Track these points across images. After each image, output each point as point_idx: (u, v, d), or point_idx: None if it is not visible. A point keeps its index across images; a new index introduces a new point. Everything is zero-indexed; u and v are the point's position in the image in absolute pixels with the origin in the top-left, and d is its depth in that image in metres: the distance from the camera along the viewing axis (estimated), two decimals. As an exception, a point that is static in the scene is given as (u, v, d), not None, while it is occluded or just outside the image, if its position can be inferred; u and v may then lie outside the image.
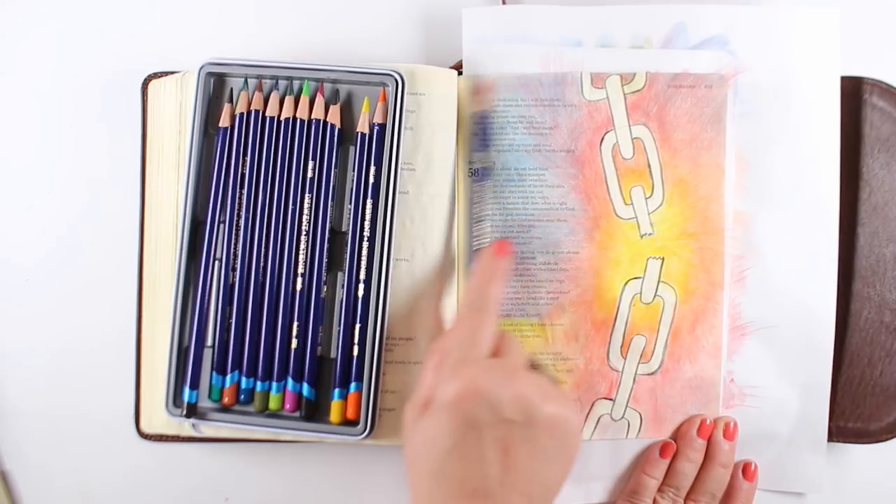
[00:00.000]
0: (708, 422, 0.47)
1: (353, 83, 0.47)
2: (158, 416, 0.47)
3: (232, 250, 0.47)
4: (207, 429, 0.47)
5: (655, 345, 0.48)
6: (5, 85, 0.51)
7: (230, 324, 0.47)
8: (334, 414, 0.46)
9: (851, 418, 0.48)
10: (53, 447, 0.50)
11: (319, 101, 0.47)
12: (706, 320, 0.48)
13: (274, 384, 0.46)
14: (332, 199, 0.47)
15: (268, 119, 0.47)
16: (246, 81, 0.47)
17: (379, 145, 0.46)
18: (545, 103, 0.48)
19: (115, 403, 0.49)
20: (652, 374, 0.48)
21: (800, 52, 0.48)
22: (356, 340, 0.46)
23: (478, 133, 0.47)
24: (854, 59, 0.48)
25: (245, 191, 0.47)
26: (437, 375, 0.38)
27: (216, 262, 0.47)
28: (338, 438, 0.46)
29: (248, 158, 0.47)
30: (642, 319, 0.48)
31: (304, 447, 0.49)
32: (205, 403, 0.47)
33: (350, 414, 0.46)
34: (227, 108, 0.47)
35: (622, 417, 0.48)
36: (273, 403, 0.47)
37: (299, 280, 0.47)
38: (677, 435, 0.48)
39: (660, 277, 0.48)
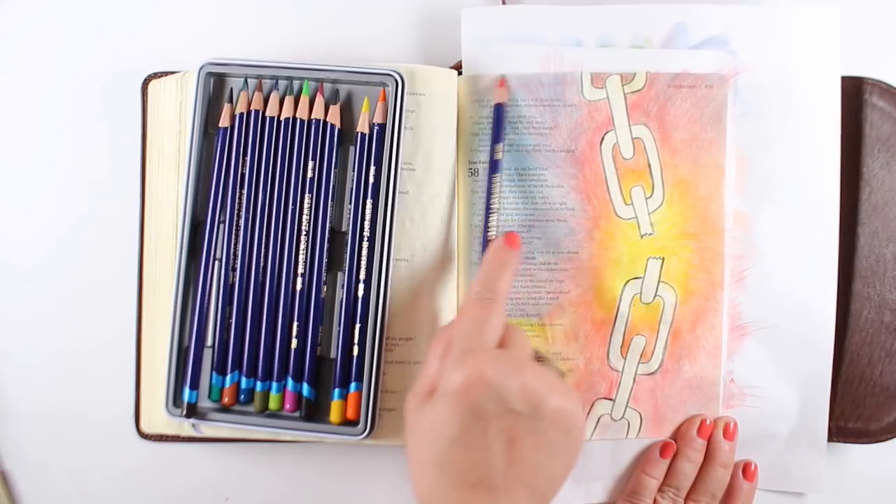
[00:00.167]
0: (708, 422, 0.47)
1: (353, 83, 0.47)
2: (158, 416, 0.47)
3: (232, 250, 0.47)
4: (207, 429, 0.47)
5: (655, 345, 0.48)
6: (5, 85, 0.51)
7: (230, 324, 0.47)
8: (334, 414, 0.46)
9: (851, 418, 0.48)
10: (53, 447, 0.50)
11: (319, 101, 0.47)
12: (706, 320, 0.48)
13: (274, 384, 0.46)
14: (332, 199, 0.47)
15: (268, 119, 0.47)
16: (246, 81, 0.47)
17: (379, 145, 0.46)
18: (545, 103, 0.48)
19: (115, 403, 0.49)
20: (652, 374, 0.48)
21: (800, 52, 0.48)
22: (356, 340, 0.46)
23: (498, 123, 0.47)
24: (854, 59, 0.48)
25: (245, 191, 0.47)
26: (443, 363, 0.37)
27: (216, 262, 0.47)
28: (338, 438, 0.46)
29: (248, 158, 0.47)
30: (642, 319, 0.48)
31: (304, 447, 0.49)
32: (205, 403, 0.47)
33: (350, 414, 0.46)
34: (227, 108, 0.47)
35: (622, 417, 0.48)
36: (273, 403, 0.47)
37: (299, 280, 0.47)
38: (677, 435, 0.48)
39: (660, 277, 0.48)
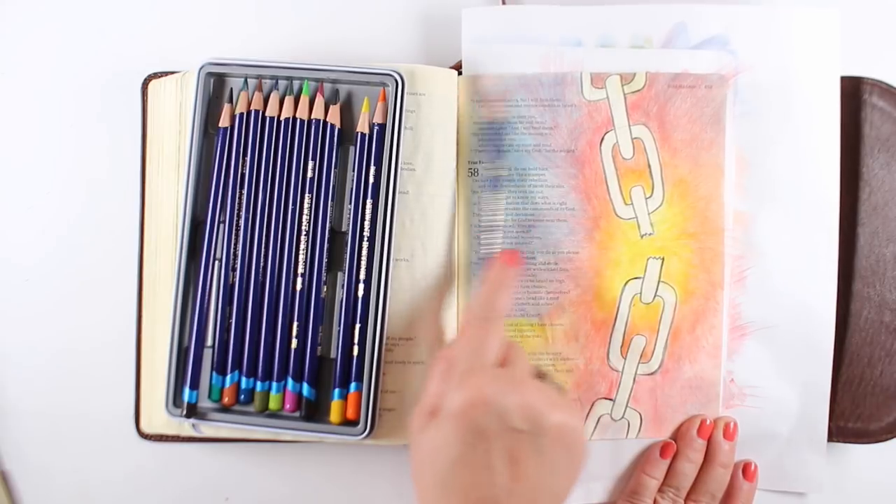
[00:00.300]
0: (708, 422, 0.47)
1: (353, 83, 0.47)
2: (158, 416, 0.47)
3: (232, 250, 0.47)
4: (207, 429, 0.47)
5: (655, 345, 0.48)
6: (5, 85, 0.51)
7: (230, 324, 0.47)
8: (334, 414, 0.46)
9: (851, 418, 0.48)
10: (53, 447, 0.50)
11: (319, 101, 0.47)
12: (706, 320, 0.48)
13: (274, 384, 0.46)
14: (332, 199, 0.47)
15: (268, 119, 0.47)
16: (246, 81, 0.47)
17: (379, 145, 0.46)
18: (545, 103, 0.48)
19: (115, 403, 0.49)
20: (652, 374, 0.48)
21: (800, 52, 0.48)
22: (356, 340, 0.46)
23: (489, 142, 0.47)
24: (854, 59, 0.48)
25: (245, 191, 0.47)
26: (444, 384, 0.38)
27: (216, 262, 0.47)
28: (338, 438, 0.46)
29: (248, 158, 0.47)
30: (642, 319, 0.48)
31: (304, 447, 0.49)
32: (205, 403, 0.47)
33: (350, 414, 0.46)
34: (227, 108, 0.47)
35: (622, 417, 0.48)
36: (273, 403, 0.47)
37: (299, 280, 0.47)
38: (677, 435, 0.48)
39: (660, 277, 0.48)
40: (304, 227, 0.47)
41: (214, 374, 0.47)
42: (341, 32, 0.51)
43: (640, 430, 0.48)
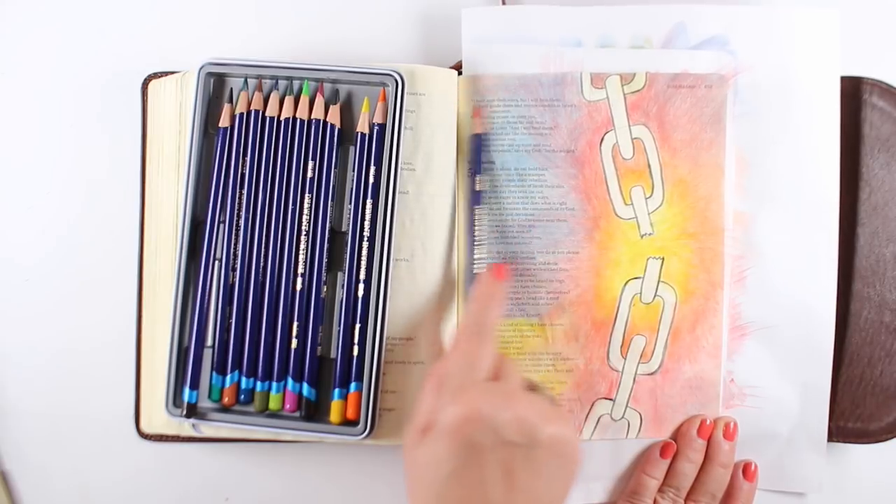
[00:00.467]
0: (708, 422, 0.47)
1: (353, 83, 0.47)
2: (158, 416, 0.47)
3: (232, 250, 0.47)
4: (207, 429, 0.47)
5: (655, 345, 0.48)
6: (5, 85, 0.51)
7: (230, 324, 0.47)
8: (334, 414, 0.46)
9: (851, 418, 0.48)
10: (53, 447, 0.50)
11: (319, 101, 0.47)
12: (706, 320, 0.48)
13: (274, 384, 0.46)
14: (332, 199, 0.47)
15: (268, 119, 0.47)
16: (246, 81, 0.47)
17: (379, 145, 0.46)
18: (545, 103, 0.48)
19: (115, 403, 0.49)
20: (652, 374, 0.48)
21: (799, 52, 0.48)
22: (356, 340, 0.46)
23: (477, 154, 0.47)
24: (854, 59, 0.48)
25: (245, 191, 0.47)
26: (437, 400, 0.38)
27: (216, 262, 0.47)
28: (338, 438, 0.46)
29: (248, 158, 0.47)
30: (642, 319, 0.48)
31: (304, 447, 0.49)
32: (205, 403, 0.47)
33: (350, 414, 0.46)
34: (227, 108, 0.47)
35: (622, 417, 0.48)
36: (273, 403, 0.47)
37: (299, 280, 0.47)
38: (677, 435, 0.48)
39: (660, 277, 0.48)
40: (304, 227, 0.47)
41: (214, 374, 0.47)
42: (341, 32, 0.51)
43: (640, 430, 0.48)
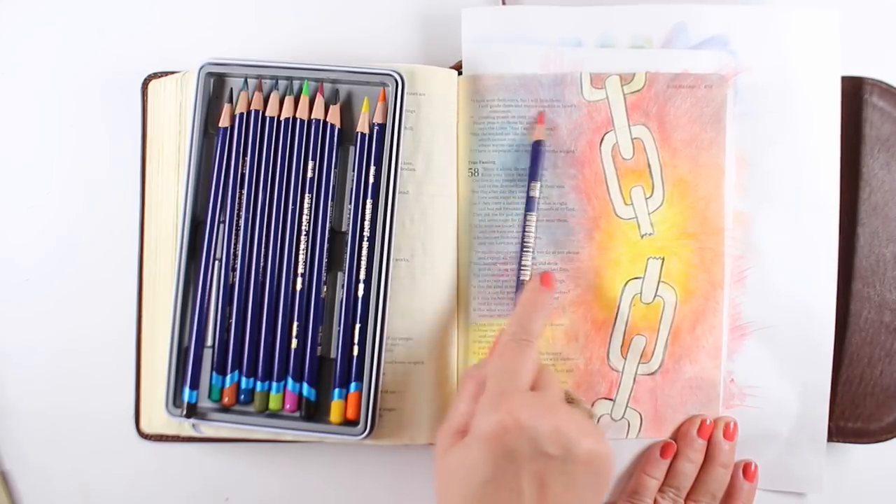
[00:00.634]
0: (708, 422, 0.47)
1: (353, 83, 0.47)
2: (158, 416, 0.47)
3: (232, 250, 0.47)
4: (207, 429, 0.47)
5: (655, 345, 0.48)
6: (5, 85, 0.51)
7: (230, 324, 0.47)
8: (334, 414, 0.46)
9: (851, 418, 0.48)
10: (53, 447, 0.50)
11: (319, 101, 0.47)
12: (706, 320, 0.48)
13: (274, 384, 0.46)
14: (332, 199, 0.47)
15: (268, 119, 0.47)
16: (246, 81, 0.47)
17: (379, 145, 0.46)
18: (545, 104, 0.48)
19: (115, 403, 0.49)
20: (652, 374, 0.48)
21: (799, 52, 0.48)
22: (356, 340, 0.46)
23: (536, 161, 0.47)
24: (854, 59, 0.48)
25: (245, 191, 0.47)
26: (475, 404, 0.38)
27: (216, 262, 0.47)
28: (338, 438, 0.46)
29: (248, 158, 0.47)
30: (642, 319, 0.48)
31: (304, 447, 0.49)
32: (205, 403, 0.47)
33: (350, 414, 0.46)
34: (227, 108, 0.47)
35: (622, 417, 0.48)
36: (273, 403, 0.47)
37: (299, 280, 0.47)
38: (677, 435, 0.48)
39: (660, 277, 0.48)
40: (304, 227, 0.47)
41: (214, 374, 0.47)
42: (341, 32, 0.51)
43: (640, 430, 0.48)
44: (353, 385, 0.46)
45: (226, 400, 0.47)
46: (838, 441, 0.48)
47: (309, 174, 0.47)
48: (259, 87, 0.47)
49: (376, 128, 0.47)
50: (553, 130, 0.48)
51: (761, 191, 0.48)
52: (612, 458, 0.38)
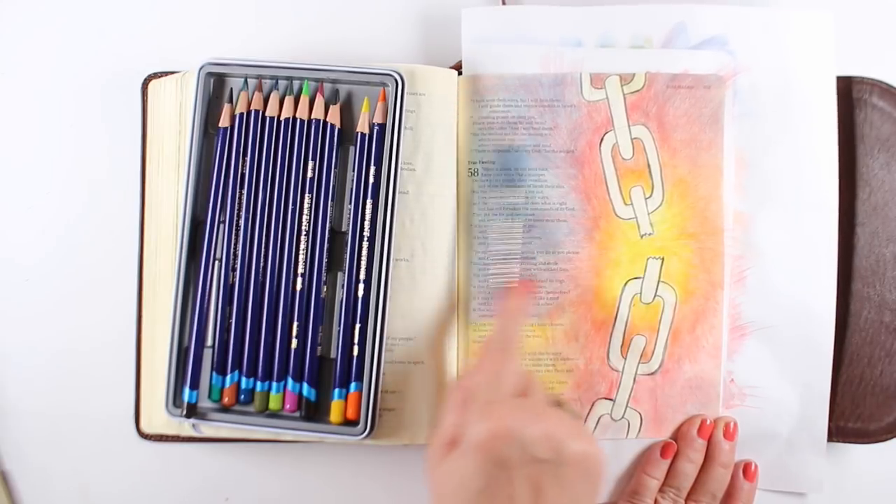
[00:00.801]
0: (708, 422, 0.47)
1: (353, 83, 0.47)
2: (158, 416, 0.47)
3: (232, 250, 0.47)
4: (207, 429, 0.47)
5: (655, 345, 0.48)
6: (5, 85, 0.51)
7: (230, 324, 0.47)
8: (334, 414, 0.46)
9: (851, 418, 0.48)
10: (53, 447, 0.50)
11: (319, 101, 0.47)
12: (706, 320, 0.48)
13: (274, 384, 0.46)
14: (332, 199, 0.47)
15: (268, 119, 0.47)
16: (246, 81, 0.47)
17: (379, 145, 0.46)
18: (545, 104, 0.48)
19: (115, 403, 0.49)
20: (652, 374, 0.48)
21: (796, 53, 0.48)
22: (356, 340, 0.46)
23: (502, 171, 0.47)
24: (854, 59, 0.48)
25: (245, 191, 0.47)
26: (464, 415, 0.38)
27: (216, 262, 0.47)
28: (338, 438, 0.46)
29: (248, 158, 0.47)
30: (642, 319, 0.48)
31: (304, 447, 0.49)
32: (205, 403, 0.47)
33: (350, 414, 0.46)
34: (227, 108, 0.47)
35: (622, 417, 0.48)
36: (273, 403, 0.47)
37: (299, 280, 0.47)
38: (677, 435, 0.48)
39: (660, 277, 0.48)
40: (304, 227, 0.47)
41: (214, 374, 0.47)
42: (341, 32, 0.51)
43: (640, 430, 0.48)
44: (353, 385, 0.46)
45: (226, 400, 0.47)
46: (838, 441, 0.48)
47: (309, 174, 0.47)
48: (259, 87, 0.47)
49: (376, 128, 0.47)
50: (553, 130, 0.48)
51: (761, 191, 0.48)
52: (603, 459, 0.38)
